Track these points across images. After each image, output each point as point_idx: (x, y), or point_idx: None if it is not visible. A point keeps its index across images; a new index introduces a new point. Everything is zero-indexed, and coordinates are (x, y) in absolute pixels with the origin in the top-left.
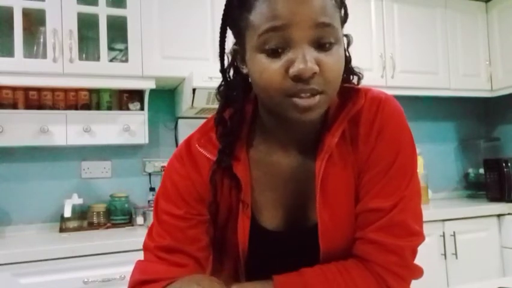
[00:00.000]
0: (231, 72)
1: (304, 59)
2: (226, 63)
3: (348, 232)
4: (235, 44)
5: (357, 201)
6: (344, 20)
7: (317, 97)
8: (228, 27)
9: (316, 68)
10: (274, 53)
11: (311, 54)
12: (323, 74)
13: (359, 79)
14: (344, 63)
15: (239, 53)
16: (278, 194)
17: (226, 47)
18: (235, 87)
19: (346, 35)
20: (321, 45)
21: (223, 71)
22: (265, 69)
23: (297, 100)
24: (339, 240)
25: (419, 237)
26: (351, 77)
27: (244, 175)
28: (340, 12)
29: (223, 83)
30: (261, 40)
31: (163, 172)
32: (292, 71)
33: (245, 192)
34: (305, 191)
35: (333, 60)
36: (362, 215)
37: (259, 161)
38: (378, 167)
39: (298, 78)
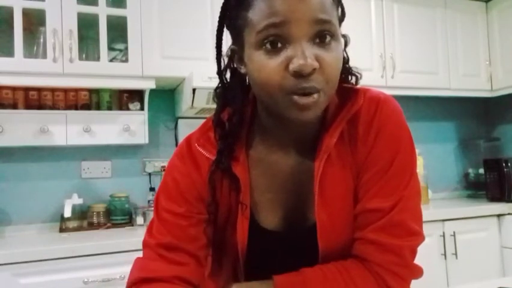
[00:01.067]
0: (228, 74)
1: (304, 55)
2: (223, 65)
3: (347, 232)
4: (232, 44)
5: (356, 202)
6: (341, 18)
7: (316, 95)
8: (224, 29)
9: (316, 64)
10: (273, 50)
11: (310, 50)
12: (322, 70)
13: (357, 79)
14: (342, 61)
15: (237, 52)
16: (277, 194)
17: (222, 49)
18: (233, 89)
19: (344, 35)
20: (320, 42)
21: (220, 72)
22: (264, 66)
23: (296, 98)
24: (338, 240)
25: (419, 237)
26: (350, 77)
27: (243, 176)
28: (337, 10)
29: (220, 84)
30: (259, 37)
31: (163, 172)
32: (293, 67)
33: (244, 193)
34: (304, 191)
35: (332, 57)
36: (361, 215)
37: (259, 161)
38: (377, 166)
39: (298, 75)
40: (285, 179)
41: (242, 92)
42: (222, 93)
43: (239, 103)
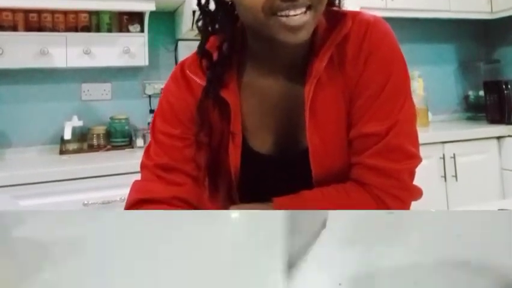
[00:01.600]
0: (211, 6)
1: None
2: None
3: (340, 155)
4: None
5: (349, 126)
6: None
7: (307, 14)
8: None
9: None
10: None
11: None
12: None
13: (340, 1)
14: None
15: None
16: (268, 119)
17: None
18: (219, 18)
19: None
20: None
21: (200, 4)
22: None
23: (285, 19)
24: (331, 163)
25: (416, 159)
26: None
27: (233, 101)
28: None
29: (201, 16)
30: None
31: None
32: None
33: (234, 119)
34: (295, 115)
35: None
36: (357, 140)
37: (250, 87)
38: (370, 90)
39: None
40: (276, 104)
41: (229, 21)
42: (205, 24)
43: (229, 32)
